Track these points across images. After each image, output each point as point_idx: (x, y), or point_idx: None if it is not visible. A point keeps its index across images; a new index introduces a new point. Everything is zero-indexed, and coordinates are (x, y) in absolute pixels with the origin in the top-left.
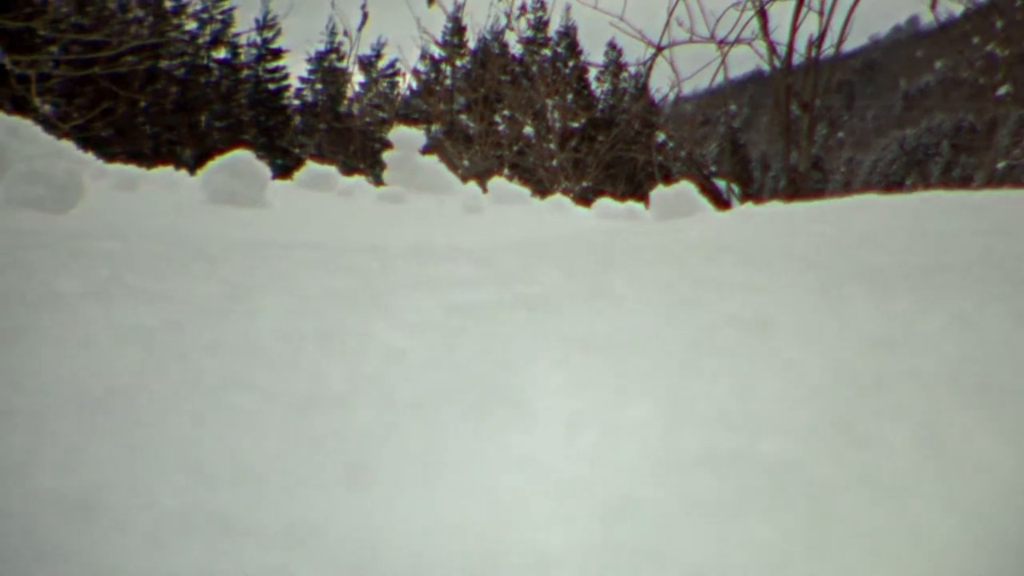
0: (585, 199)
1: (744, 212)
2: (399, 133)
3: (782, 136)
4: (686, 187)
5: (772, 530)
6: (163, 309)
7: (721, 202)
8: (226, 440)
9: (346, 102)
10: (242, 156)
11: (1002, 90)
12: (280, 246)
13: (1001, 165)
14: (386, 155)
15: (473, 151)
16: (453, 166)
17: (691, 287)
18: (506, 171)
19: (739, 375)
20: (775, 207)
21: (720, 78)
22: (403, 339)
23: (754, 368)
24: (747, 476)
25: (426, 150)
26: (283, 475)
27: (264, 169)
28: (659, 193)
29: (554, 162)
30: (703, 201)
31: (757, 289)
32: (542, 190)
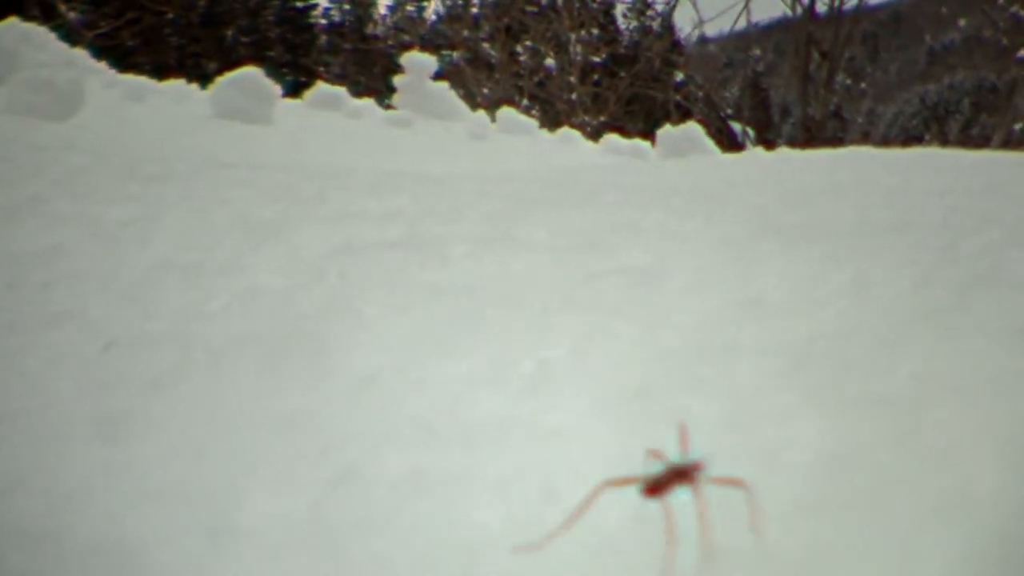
0: (601, 134)
1: (745, 157)
2: (411, 58)
3: (799, 83)
4: (693, 128)
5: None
6: (61, 233)
7: (735, 145)
8: (28, 374)
9: (372, 25)
10: (251, 73)
11: (1023, 52)
12: (231, 167)
13: (1019, 127)
14: (397, 79)
15: (494, 80)
16: (473, 93)
17: (604, 233)
18: (525, 102)
19: (581, 332)
20: (777, 153)
21: (743, 21)
22: (270, 276)
23: (604, 326)
24: (525, 447)
25: (446, 76)
26: (41, 423)
27: (273, 87)
28: (665, 132)
29: (573, 95)
30: (709, 143)
31: (674, 238)
32: (558, 123)
